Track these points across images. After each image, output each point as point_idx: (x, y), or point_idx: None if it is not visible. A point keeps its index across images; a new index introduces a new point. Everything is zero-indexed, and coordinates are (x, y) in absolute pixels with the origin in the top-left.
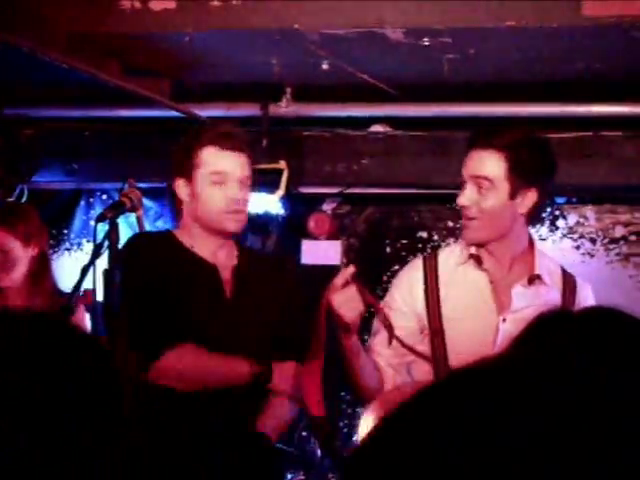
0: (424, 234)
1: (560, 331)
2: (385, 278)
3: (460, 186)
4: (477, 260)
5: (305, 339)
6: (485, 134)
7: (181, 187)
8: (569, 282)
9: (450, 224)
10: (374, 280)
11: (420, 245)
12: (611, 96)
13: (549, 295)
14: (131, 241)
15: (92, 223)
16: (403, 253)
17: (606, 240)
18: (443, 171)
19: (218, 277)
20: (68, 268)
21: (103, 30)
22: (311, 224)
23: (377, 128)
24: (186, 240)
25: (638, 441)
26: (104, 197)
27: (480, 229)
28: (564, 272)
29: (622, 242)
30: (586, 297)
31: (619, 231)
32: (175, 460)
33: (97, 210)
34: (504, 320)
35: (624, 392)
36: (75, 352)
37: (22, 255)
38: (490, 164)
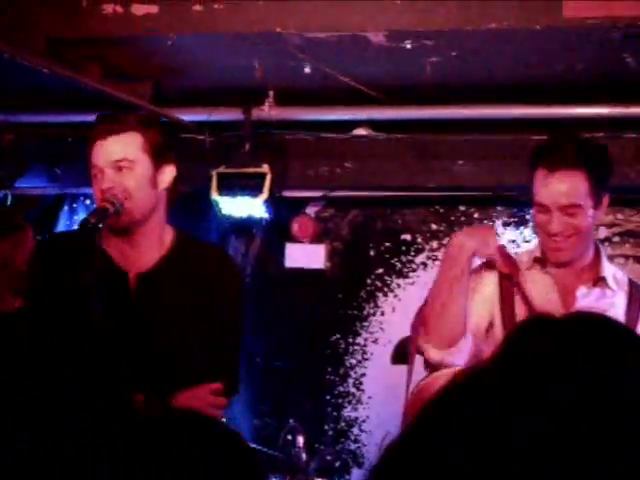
0: (408, 237)
1: (552, 334)
2: (369, 281)
3: (535, 206)
4: (541, 263)
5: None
6: (565, 152)
7: None
8: (637, 290)
9: (434, 227)
10: (358, 283)
11: (404, 248)
12: (593, 97)
13: (614, 299)
14: (37, 246)
15: (76, 228)
16: (387, 256)
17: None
18: (426, 174)
19: (125, 283)
20: None
21: (84, 34)
22: (295, 227)
23: (360, 131)
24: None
25: (638, 441)
26: (87, 202)
27: (573, 248)
28: (631, 281)
29: (606, 243)
30: None
31: (602, 232)
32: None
33: (80, 215)
34: None
35: (624, 392)
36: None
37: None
38: (578, 188)
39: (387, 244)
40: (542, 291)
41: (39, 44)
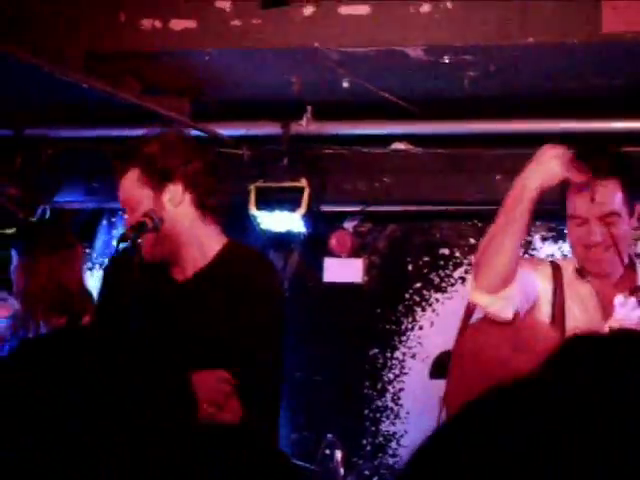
0: (446, 251)
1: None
2: (407, 295)
3: (571, 220)
4: (580, 273)
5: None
6: (598, 162)
7: None
8: None
9: (472, 241)
10: (396, 297)
11: (442, 262)
12: (631, 112)
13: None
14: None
15: (114, 243)
16: (425, 270)
17: None
18: (464, 188)
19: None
20: (91, 288)
21: (123, 49)
22: (333, 242)
23: (398, 146)
24: None
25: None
26: (126, 216)
27: (613, 258)
28: None
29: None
30: None
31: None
32: None
33: (119, 229)
34: (610, 328)
35: (626, 392)
36: None
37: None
38: (614, 197)
39: (425, 258)
40: (583, 300)
41: (78, 59)
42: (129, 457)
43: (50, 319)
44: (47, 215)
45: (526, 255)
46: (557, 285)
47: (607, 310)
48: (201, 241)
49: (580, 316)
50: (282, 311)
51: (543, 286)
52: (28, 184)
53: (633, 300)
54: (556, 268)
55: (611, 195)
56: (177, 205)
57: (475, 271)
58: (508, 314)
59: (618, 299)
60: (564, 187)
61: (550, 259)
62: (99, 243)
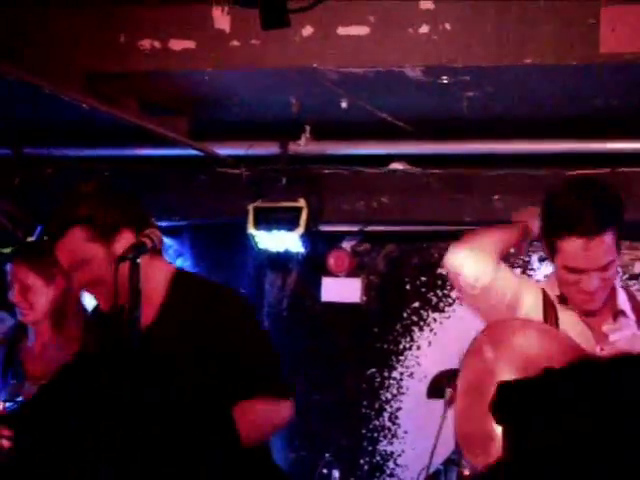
0: (444, 271)
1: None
2: (405, 315)
3: (563, 269)
4: (562, 300)
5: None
6: (597, 217)
7: None
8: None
9: None
10: (394, 317)
11: (440, 282)
12: (629, 132)
13: (633, 327)
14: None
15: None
16: (423, 290)
17: (625, 276)
18: (462, 208)
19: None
20: (89, 307)
21: (122, 69)
22: (331, 262)
23: (396, 166)
24: None
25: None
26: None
27: (604, 296)
28: (633, 304)
29: None
30: None
31: (638, 267)
32: None
33: None
34: (601, 349)
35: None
36: None
37: (44, 292)
38: (612, 246)
39: (423, 278)
40: (574, 327)
41: (78, 79)
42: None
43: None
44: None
45: (523, 275)
46: (547, 307)
47: (596, 333)
48: (156, 279)
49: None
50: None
51: (532, 302)
52: (27, 203)
53: (620, 323)
54: (544, 293)
55: (610, 246)
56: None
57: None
58: (481, 279)
59: (607, 327)
60: (553, 239)
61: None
62: None
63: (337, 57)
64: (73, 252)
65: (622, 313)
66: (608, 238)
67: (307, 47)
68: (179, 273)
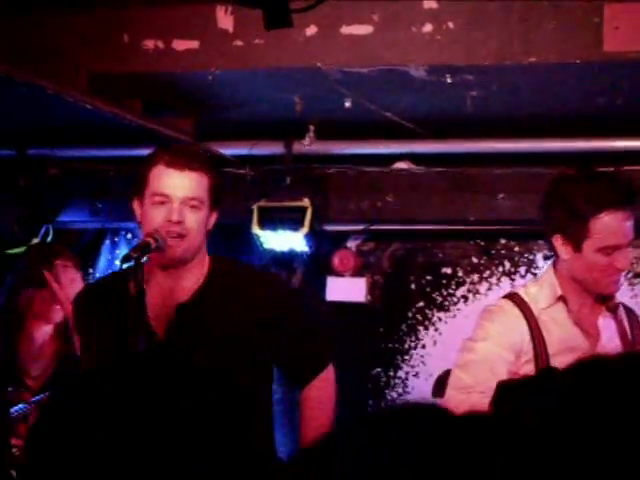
0: (449, 270)
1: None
2: (410, 314)
3: (597, 251)
4: (565, 301)
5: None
6: (623, 190)
7: (136, 208)
8: (632, 316)
9: (474, 260)
10: (399, 316)
11: (445, 281)
12: (633, 131)
13: (623, 329)
14: (82, 292)
15: (117, 263)
16: (428, 289)
17: (630, 274)
18: (467, 207)
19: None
20: None
21: (126, 70)
22: (336, 261)
23: (400, 165)
24: (145, 275)
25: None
26: (129, 236)
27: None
28: (623, 305)
29: None
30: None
31: None
32: None
33: (122, 249)
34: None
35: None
36: None
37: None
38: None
39: (428, 277)
40: (562, 325)
41: (82, 80)
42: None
43: None
44: (50, 235)
45: (528, 274)
46: (532, 328)
47: (589, 331)
48: (203, 261)
49: (568, 345)
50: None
51: (520, 339)
52: (31, 204)
53: (613, 318)
54: (523, 306)
55: (633, 220)
56: (209, 232)
57: None
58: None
59: (601, 321)
60: (584, 221)
61: (510, 295)
62: (102, 263)
63: (341, 56)
64: (196, 189)
65: (618, 307)
66: (632, 212)
67: (310, 47)
68: (213, 258)
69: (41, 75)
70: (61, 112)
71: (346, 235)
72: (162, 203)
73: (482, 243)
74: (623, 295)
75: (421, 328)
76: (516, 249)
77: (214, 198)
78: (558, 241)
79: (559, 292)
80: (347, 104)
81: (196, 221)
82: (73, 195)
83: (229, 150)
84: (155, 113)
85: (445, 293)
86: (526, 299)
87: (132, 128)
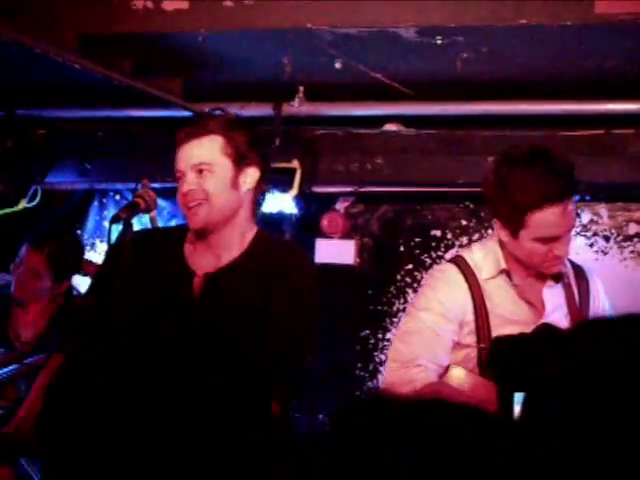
0: (438, 232)
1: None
2: (399, 277)
3: (533, 240)
4: (508, 275)
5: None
6: (565, 183)
7: None
8: (581, 278)
9: (463, 222)
10: (388, 279)
11: (434, 243)
12: (624, 94)
13: (568, 291)
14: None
15: (106, 224)
16: (417, 251)
17: (620, 238)
18: (456, 170)
19: (190, 283)
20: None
21: (115, 31)
22: (325, 223)
23: (390, 127)
24: (187, 239)
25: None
26: (117, 197)
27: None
28: (573, 266)
29: (636, 239)
30: (598, 292)
31: (633, 228)
32: None
33: (110, 211)
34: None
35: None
36: None
37: (49, 287)
38: (574, 208)
39: (417, 240)
40: (506, 297)
41: (70, 40)
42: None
43: None
44: (38, 195)
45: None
46: (474, 297)
47: (533, 303)
48: (244, 228)
49: (511, 317)
50: (317, 296)
51: (462, 310)
52: (19, 165)
53: (559, 287)
54: (468, 274)
55: (575, 208)
56: (249, 191)
57: None
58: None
59: (546, 293)
60: (524, 213)
61: (456, 259)
62: (90, 224)
63: (331, 17)
64: (205, 155)
65: (561, 276)
66: (574, 199)
67: (301, 7)
68: (260, 232)
69: (30, 35)
70: (49, 72)
71: (335, 197)
72: (179, 179)
73: (471, 206)
74: (613, 258)
75: (410, 290)
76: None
77: (238, 156)
78: (497, 224)
79: (502, 265)
80: (337, 65)
81: (213, 184)
82: (61, 156)
83: (218, 112)
84: (144, 74)
85: (434, 255)
86: (471, 264)
87: (121, 89)
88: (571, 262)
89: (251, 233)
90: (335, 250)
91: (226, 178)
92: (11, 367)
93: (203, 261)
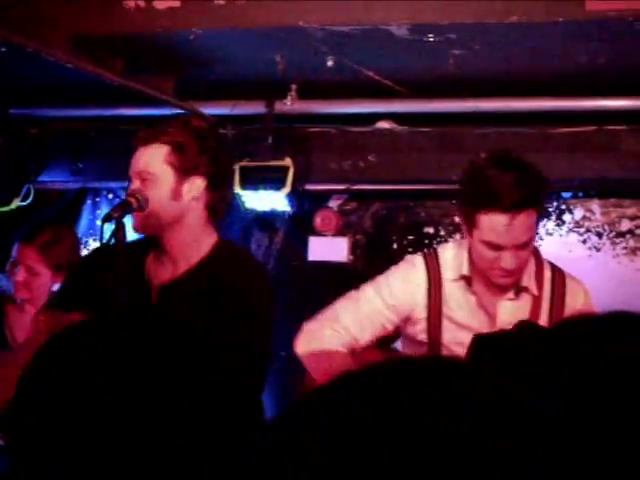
0: (431, 230)
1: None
2: None
3: (480, 243)
4: (468, 282)
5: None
6: (520, 194)
7: None
8: (557, 295)
9: (456, 219)
10: None
11: (427, 241)
12: (615, 90)
13: (535, 305)
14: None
15: (99, 223)
16: (410, 249)
17: (612, 234)
18: (449, 167)
19: (148, 294)
20: None
21: (107, 30)
22: (318, 221)
23: (383, 124)
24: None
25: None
26: (110, 196)
27: (520, 273)
28: (554, 274)
29: (628, 236)
30: (575, 304)
31: (625, 225)
32: None
33: (103, 209)
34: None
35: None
36: None
37: (49, 283)
38: (532, 225)
39: (410, 237)
40: (464, 303)
41: (63, 39)
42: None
43: None
44: (32, 195)
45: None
46: (430, 297)
47: (491, 313)
48: (198, 239)
49: (465, 324)
50: (267, 312)
51: (410, 308)
52: (12, 164)
53: (521, 301)
54: (433, 272)
55: (530, 225)
56: (193, 200)
57: None
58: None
59: (502, 304)
60: (472, 212)
61: (429, 253)
62: (83, 223)
63: (323, 15)
64: (146, 163)
65: (525, 290)
66: (530, 216)
67: (292, 5)
68: (221, 244)
69: (22, 34)
70: (42, 72)
71: (328, 195)
72: (129, 183)
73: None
74: (605, 254)
75: None
76: None
77: (183, 166)
78: (460, 217)
79: (464, 271)
80: (329, 63)
81: (152, 194)
82: (54, 155)
83: (210, 109)
84: (136, 73)
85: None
86: (441, 261)
87: (113, 87)
88: (557, 274)
89: (210, 240)
90: (328, 247)
91: (166, 188)
92: None
93: (161, 271)
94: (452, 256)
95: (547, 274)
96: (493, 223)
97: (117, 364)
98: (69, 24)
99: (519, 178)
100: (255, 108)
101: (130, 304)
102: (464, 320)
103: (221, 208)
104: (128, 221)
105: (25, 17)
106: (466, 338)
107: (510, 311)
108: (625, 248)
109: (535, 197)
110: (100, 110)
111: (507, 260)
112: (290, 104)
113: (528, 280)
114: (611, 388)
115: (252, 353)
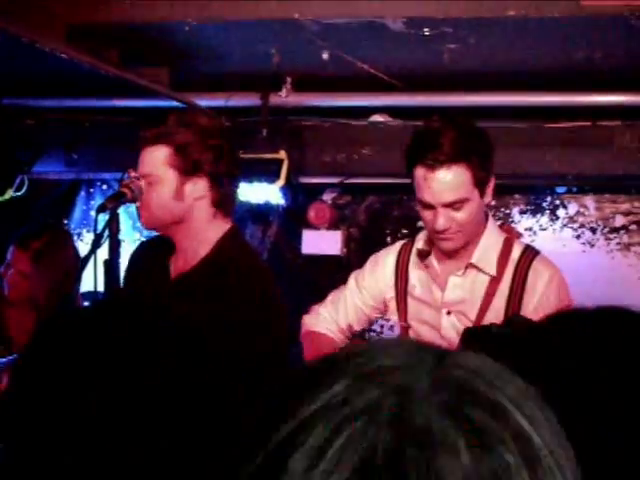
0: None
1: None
2: None
3: (418, 203)
4: (424, 255)
5: None
6: (442, 148)
7: None
8: (521, 270)
9: None
10: None
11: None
12: (611, 85)
13: (492, 285)
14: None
15: (92, 213)
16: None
17: (606, 229)
18: None
19: (166, 283)
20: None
21: (102, 20)
22: (311, 214)
23: (377, 118)
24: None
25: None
26: (104, 187)
27: (460, 239)
28: (523, 255)
29: (622, 231)
30: (535, 287)
31: (619, 220)
32: None
33: (97, 200)
34: (448, 313)
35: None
36: None
37: (40, 287)
38: (461, 183)
39: (404, 231)
40: (422, 280)
41: (58, 30)
42: None
43: None
44: (25, 185)
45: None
46: (399, 276)
47: (442, 288)
48: (206, 234)
49: (424, 303)
50: (273, 295)
51: (380, 292)
52: (6, 154)
53: (470, 278)
54: (405, 256)
55: (457, 182)
56: (197, 199)
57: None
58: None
59: (452, 280)
60: (408, 170)
61: (411, 239)
62: (77, 214)
63: (318, 8)
64: (148, 166)
65: (474, 267)
66: (458, 174)
67: None
68: (225, 237)
69: (17, 24)
70: (36, 62)
71: (322, 188)
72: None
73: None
74: (599, 250)
75: None
76: (492, 203)
77: (186, 167)
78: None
79: (419, 245)
80: (324, 56)
81: (153, 195)
82: (48, 146)
83: (205, 101)
84: (131, 63)
85: None
86: (415, 242)
87: (108, 78)
88: (526, 256)
89: (219, 231)
90: (322, 241)
91: (169, 190)
92: (2, 360)
93: (177, 264)
94: (423, 235)
95: (514, 255)
96: (419, 179)
97: (111, 357)
98: (64, 14)
99: (446, 133)
100: (250, 100)
101: (149, 295)
102: (422, 295)
103: (228, 203)
104: (122, 212)
105: (19, 7)
106: (428, 316)
107: (458, 287)
108: (619, 244)
109: (461, 153)
110: (94, 101)
111: (438, 220)
112: (285, 97)
113: (480, 258)
114: (608, 384)
115: (270, 338)
